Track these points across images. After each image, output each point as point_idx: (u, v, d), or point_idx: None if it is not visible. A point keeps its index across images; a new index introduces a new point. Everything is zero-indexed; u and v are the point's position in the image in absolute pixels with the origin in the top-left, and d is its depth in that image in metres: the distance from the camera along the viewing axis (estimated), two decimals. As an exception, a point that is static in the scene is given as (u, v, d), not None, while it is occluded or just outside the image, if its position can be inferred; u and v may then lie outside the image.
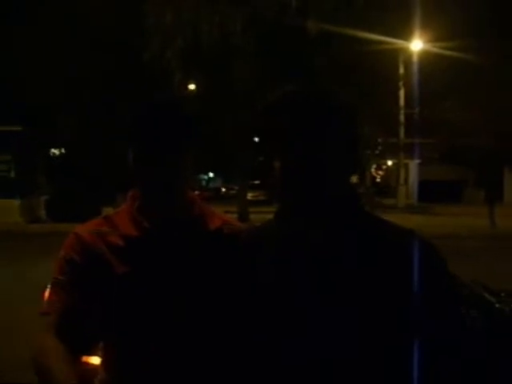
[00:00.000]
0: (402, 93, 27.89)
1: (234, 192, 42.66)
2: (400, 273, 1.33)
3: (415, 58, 24.80)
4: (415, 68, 24.50)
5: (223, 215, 1.72)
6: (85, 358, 1.71)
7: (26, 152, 24.05)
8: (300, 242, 1.39)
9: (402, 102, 28.29)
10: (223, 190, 59.97)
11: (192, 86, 25.20)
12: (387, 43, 22.20)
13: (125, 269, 1.57)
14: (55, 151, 30.64)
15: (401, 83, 26.84)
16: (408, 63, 25.46)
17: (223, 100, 21.77)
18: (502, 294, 3.95)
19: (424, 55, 24.39)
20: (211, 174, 69.39)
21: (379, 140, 28.22)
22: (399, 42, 23.77)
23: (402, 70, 26.51)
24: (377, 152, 29.88)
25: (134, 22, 20.93)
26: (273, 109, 1.40)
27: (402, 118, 28.73)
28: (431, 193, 34.67)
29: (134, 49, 21.13)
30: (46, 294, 1.63)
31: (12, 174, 24.06)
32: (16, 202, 22.68)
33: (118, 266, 1.57)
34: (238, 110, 21.40)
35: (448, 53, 21.99)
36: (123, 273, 1.56)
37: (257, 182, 44.04)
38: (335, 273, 1.35)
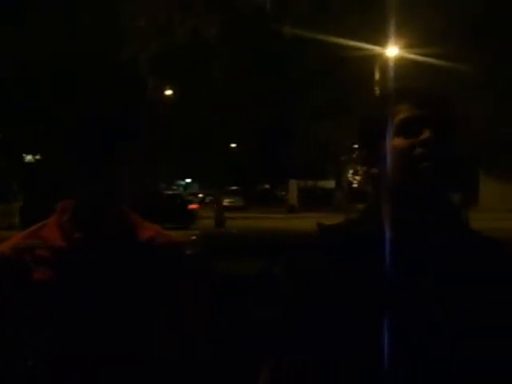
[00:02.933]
0: (378, 98, 28.07)
1: (211, 198, 42.66)
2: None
3: (391, 64, 24.95)
4: (391, 74, 24.66)
5: (155, 226, 1.69)
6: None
7: (-1, 158, 23.81)
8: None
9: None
10: (200, 195, 59.92)
11: (169, 92, 25.16)
12: (363, 49, 22.35)
13: (54, 282, 1.52)
14: (29, 157, 30.36)
15: (376, 89, 27.03)
16: (384, 69, 25.64)
17: (199, 104, 21.76)
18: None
19: (400, 61, 24.55)
20: (188, 180, 69.29)
21: (356, 145, 28.37)
22: (375, 48, 23.93)
23: (377, 76, 26.69)
24: (354, 156, 30.08)
25: (107, 24, 20.78)
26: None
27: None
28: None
29: (107, 52, 20.98)
30: None
31: (-15, 181, 23.77)
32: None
33: (47, 280, 1.52)
34: (214, 114, 21.39)
35: (423, 59, 22.17)
36: (52, 286, 1.52)
37: (234, 187, 44.08)
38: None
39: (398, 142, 1.35)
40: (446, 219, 1.39)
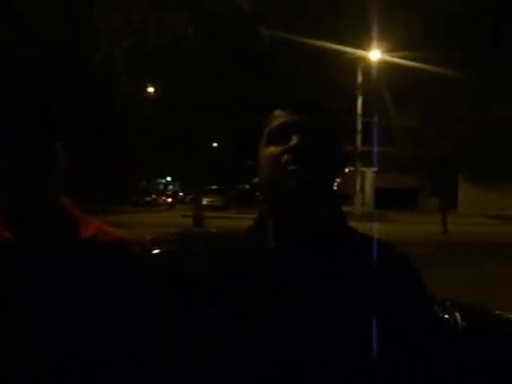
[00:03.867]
0: (359, 101, 28.21)
1: (190, 196, 42.57)
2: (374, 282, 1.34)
3: (373, 68, 25.10)
4: (373, 77, 24.81)
5: (99, 223, 1.63)
6: None
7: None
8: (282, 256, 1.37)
9: (359, 110, 28.61)
10: (180, 194, 59.72)
11: (150, 89, 25.04)
12: (346, 52, 22.46)
13: None
14: None
15: (358, 91, 27.16)
16: (367, 72, 25.76)
17: (176, 103, 21.66)
18: (447, 304, 3.95)
19: (382, 65, 24.69)
20: (169, 178, 69.10)
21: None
22: (358, 52, 24.05)
23: (359, 79, 26.81)
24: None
25: (83, 22, 20.62)
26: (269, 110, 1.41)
27: (359, 126, 29.08)
28: (387, 200, 35.11)
29: (83, 50, 20.83)
30: None
31: None
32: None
33: None
34: (193, 113, 21.29)
35: (406, 63, 22.34)
36: None
37: (214, 187, 43.98)
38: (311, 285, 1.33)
39: (270, 149, 1.37)
40: (326, 223, 1.39)
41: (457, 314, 3.77)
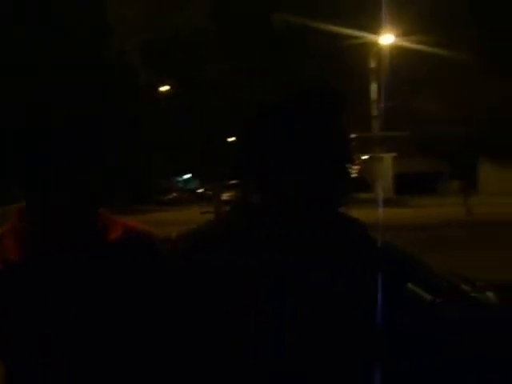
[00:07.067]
0: (373, 87, 28.02)
1: (211, 193, 42.60)
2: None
3: (386, 52, 24.88)
4: (386, 62, 24.61)
5: (126, 222, 1.59)
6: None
7: None
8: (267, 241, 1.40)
9: (374, 95, 28.41)
10: (200, 191, 59.78)
11: (165, 88, 25.07)
12: (357, 38, 22.29)
13: (14, 297, 1.42)
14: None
15: (372, 77, 27.00)
16: (379, 57, 25.58)
17: (195, 99, 21.66)
18: (477, 283, 4.01)
19: (395, 49, 24.46)
20: (188, 175, 69.14)
21: (353, 135, 28.45)
22: (369, 37, 23.86)
23: (372, 65, 26.63)
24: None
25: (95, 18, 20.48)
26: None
27: (374, 111, 28.88)
28: (407, 186, 34.94)
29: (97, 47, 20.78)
30: None
31: None
32: None
33: (6, 295, 1.42)
34: (211, 108, 21.29)
35: (419, 47, 22.10)
36: (13, 301, 1.42)
37: (234, 181, 44.00)
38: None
39: None
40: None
41: (489, 294, 3.80)
